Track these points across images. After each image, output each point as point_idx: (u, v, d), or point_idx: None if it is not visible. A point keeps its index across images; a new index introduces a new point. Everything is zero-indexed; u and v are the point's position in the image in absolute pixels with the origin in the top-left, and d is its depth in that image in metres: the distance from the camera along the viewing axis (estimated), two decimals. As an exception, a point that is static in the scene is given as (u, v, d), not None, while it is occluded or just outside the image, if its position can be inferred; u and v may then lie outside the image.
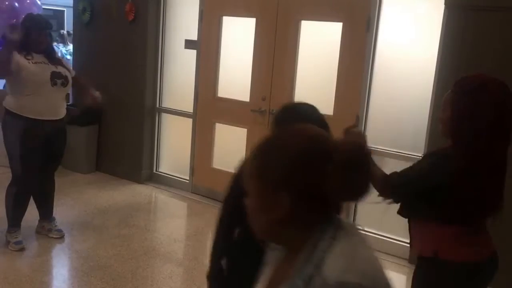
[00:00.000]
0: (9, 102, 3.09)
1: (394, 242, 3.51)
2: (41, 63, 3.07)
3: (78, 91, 3.84)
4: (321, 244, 0.84)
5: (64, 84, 3.15)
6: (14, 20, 4.64)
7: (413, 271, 1.71)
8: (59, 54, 7.29)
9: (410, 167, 1.64)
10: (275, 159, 0.87)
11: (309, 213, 0.87)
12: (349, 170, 0.85)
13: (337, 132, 4.12)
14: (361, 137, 1.76)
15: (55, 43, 7.88)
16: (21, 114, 3.03)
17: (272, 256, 0.99)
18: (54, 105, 3.13)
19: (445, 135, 1.57)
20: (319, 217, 0.88)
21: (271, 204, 0.87)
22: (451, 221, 1.54)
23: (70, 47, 7.71)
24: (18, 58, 2.99)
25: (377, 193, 1.67)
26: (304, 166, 0.85)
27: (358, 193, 0.89)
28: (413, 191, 1.56)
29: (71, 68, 3.46)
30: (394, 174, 1.64)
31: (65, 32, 8.00)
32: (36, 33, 3.07)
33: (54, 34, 3.22)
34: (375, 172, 1.66)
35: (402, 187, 1.59)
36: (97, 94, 3.29)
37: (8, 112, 3.09)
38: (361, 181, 0.88)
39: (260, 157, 0.90)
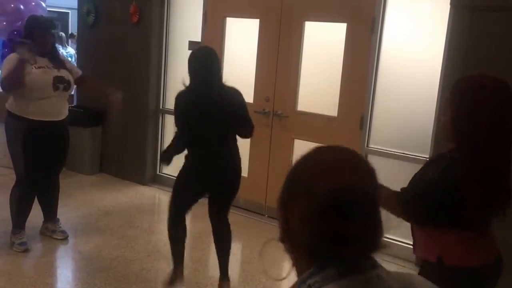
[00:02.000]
0: (11, 104, 3.09)
1: (399, 244, 3.48)
2: (44, 67, 3.06)
3: (90, 92, 3.83)
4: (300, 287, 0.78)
5: (66, 89, 3.15)
6: (19, 23, 4.68)
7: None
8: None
9: (417, 179, 1.58)
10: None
11: (308, 243, 0.79)
12: (324, 215, 0.75)
13: (341, 133, 4.09)
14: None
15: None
16: (23, 115, 3.03)
17: None
18: (56, 108, 3.13)
19: (448, 138, 1.55)
20: (321, 252, 0.78)
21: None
22: (456, 226, 1.52)
23: (69, 49, 7.67)
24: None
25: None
26: (288, 190, 0.82)
27: (348, 244, 0.75)
28: (424, 203, 1.50)
29: (76, 68, 3.43)
30: (402, 190, 1.59)
31: (62, 34, 7.89)
32: (41, 34, 3.05)
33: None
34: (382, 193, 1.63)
35: (413, 202, 1.53)
36: (115, 96, 3.25)
37: (10, 114, 3.10)
38: (352, 230, 0.74)
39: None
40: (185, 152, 2.67)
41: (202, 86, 2.50)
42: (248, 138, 2.74)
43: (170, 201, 2.75)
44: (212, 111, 2.47)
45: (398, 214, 1.60)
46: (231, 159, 2.63)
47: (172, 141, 2.70)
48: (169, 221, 2.76)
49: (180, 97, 2.57)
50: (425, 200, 1.50)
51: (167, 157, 2.63)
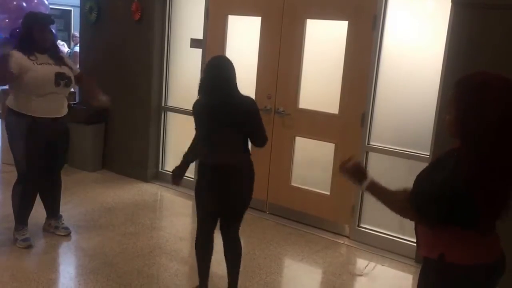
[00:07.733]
0: (12, 101, 3.11)
1: (400, 241, 3.50)
2: (45, 63, 3.06)
3: (84, 90, 3.84)
4: None
5: (68, 85, 3.16)
6: (21, 20, 4.68)
7: (419, 270, 1.70)
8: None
9: (426, 180, 1.56)
10: None
11: None
12: None
13: (342, 131, 4.07)
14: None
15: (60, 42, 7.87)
16: (24, 113, 3.05)
17: None
18: (57, 104, 3.14)
19: (452, 136, 1.55)
20: None
21: None
22: (461, 224, 1.52)
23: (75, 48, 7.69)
24: (21, 59, 2.99)
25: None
26: None
27: None
28: (436, 204, 1.49)
29: (75, 66, 3.44)
30: (413, 196, 1.57)
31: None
32: (39, 30, 3.05)
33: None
34: (389, 195, 1.63)
35: (425, 204, 1.52)
36: (104, 98, 3.27)
37: (11, 111, 3.11)
38: None
39: None
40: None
41: (217, 95, 2.48)
42: (262, 147, 2.68)
43: (198, 223, 2.68)
44: (226, 120, 2.45)
45: (407, 217, 1.60)
46: (244, 170, 2.58)
47: (184, 156, 2.70)
48: (197, 240, 2.71)
49: (195, 106, 2.58)
50: (437, 201, 1.48)
51: (179, 173, 2.66)
